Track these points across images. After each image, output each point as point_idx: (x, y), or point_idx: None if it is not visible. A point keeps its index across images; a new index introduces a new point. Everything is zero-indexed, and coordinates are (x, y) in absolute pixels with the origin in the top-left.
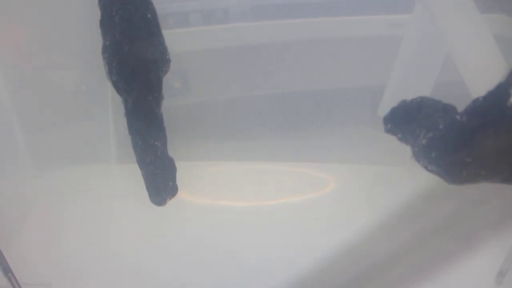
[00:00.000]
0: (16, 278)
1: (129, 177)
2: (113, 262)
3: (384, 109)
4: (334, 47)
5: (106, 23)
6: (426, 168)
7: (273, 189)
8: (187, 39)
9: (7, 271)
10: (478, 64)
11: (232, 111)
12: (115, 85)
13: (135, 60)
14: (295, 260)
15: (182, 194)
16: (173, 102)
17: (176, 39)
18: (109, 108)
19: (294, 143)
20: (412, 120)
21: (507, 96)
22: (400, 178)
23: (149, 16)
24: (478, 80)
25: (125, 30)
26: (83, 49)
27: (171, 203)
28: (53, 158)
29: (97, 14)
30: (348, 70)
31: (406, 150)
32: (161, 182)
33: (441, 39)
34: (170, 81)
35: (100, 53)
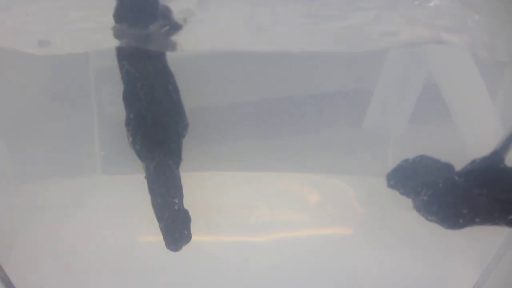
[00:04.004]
0: None
1: (116, 190)
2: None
3: (370, 122)
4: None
5: (131, 97)
6: (426, 218)
7: None
8: None
9: None
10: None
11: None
12: (138, 153)
13: (158, 131)
14: None
15: None
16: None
17: None
18: (93, 113)
19: (268, 153)
20: (413, 177)
21: (501, 160)
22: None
23: (170, 88)
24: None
25: (149, 105)
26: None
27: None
28: (32, 170)
29: None
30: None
31: (387, 160)
32: (177, 233)
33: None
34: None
35: None
